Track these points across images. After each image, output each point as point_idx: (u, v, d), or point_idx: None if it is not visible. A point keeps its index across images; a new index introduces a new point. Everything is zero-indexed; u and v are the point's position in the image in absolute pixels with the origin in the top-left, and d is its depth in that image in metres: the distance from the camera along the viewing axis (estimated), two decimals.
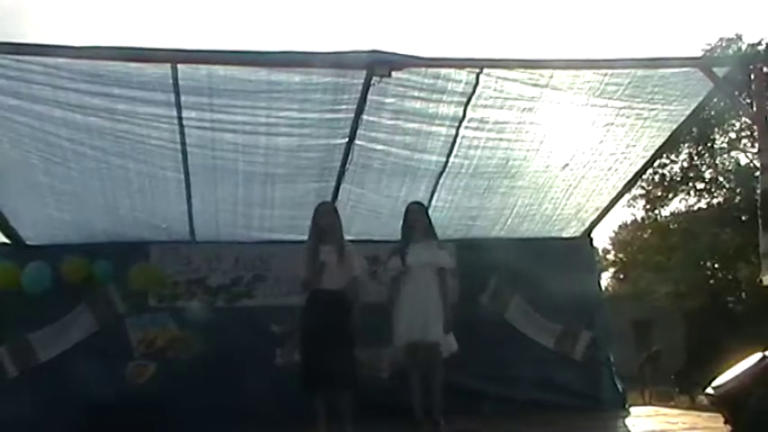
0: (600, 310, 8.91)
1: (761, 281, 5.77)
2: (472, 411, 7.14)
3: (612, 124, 7.12)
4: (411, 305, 6.29)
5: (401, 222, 6.64)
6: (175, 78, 5.85)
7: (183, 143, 6.65)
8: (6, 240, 7.93)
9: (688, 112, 7.09)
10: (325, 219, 6.22)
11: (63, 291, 7.68)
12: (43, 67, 5.61)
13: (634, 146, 7.51)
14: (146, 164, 6.95)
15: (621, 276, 32.44)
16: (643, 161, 7.89)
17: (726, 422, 5.61)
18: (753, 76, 6.17)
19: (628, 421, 7.20)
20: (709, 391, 5.93)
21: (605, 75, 6.43)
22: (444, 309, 6.39)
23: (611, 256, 33.00)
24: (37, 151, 6.71)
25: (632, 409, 8.40)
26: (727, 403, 5.62)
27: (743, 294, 27.49)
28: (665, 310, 26.63)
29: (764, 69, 6.23)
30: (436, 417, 6.15)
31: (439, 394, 6.23)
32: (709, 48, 24.59)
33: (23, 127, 6.36)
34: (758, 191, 6.10)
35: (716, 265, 28.97)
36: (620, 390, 8.64)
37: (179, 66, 5.74)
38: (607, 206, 8.62)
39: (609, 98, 6.69)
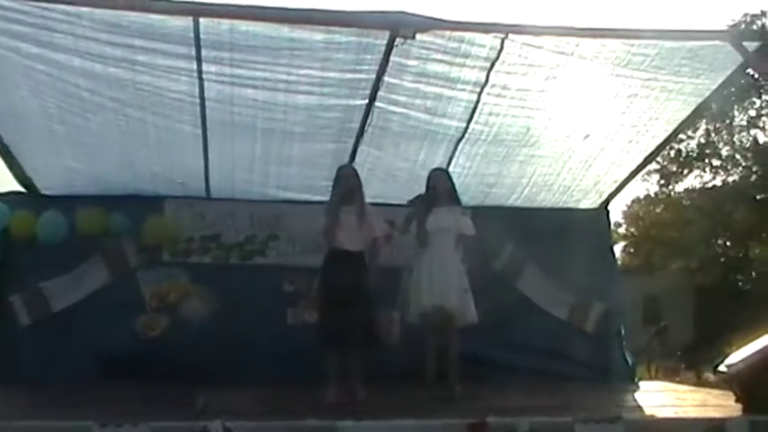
0: (614, 282, 8.88)
1: None
2: (481, 378, 7.11)
3: (636, 96, 7.02)
4: (429, 271, 6.27)
5: (424, 187, 6.58)
6: (197, 32, 5.78)
7: (202, 97, 6.59)
8: (22, 189, 7.93)
9: (714, 87, 6.96)
10: (347, 181, 6.22)
11: (77, 242, 7.70)
12: (65, 15, 5.56)
13: (657, 119, 7.41)
14: (164, 117, 6.90)
15: (632, 250, 32.26)
16: (665, 135, 7.80)
17: (737, 400, 5.58)
18: None
19: (637, 395, 7.19)
20: (722, 368, 5.90)
21: (632, 45, 6.33)
22: (465, 273, 6.36)
23: (622, 230, 32.80)
24: (55, 100, 6.67)
25: (641, 384, 8.39)
26: (739, 382, 5.60)
27: (753, 273, 27.34)
28: (675, 285, 26.52)
29: None
30: (452, 383, 6.15)
31: (455, 362, 6.23)
32: (733, 23, 24.21)
33: (43, 75, 6.31)
34: None
35: (728, 243, 28.76)
36: (631, 364, 8.64)
37: (201, 19, 5.67)
38: (626, 179, 8.55)
39: (635, 69, 6.58)
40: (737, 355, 5.73)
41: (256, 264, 8.24)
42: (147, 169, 7.73)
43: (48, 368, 6.93)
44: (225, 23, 5.77)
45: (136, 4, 5.46)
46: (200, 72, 6.28)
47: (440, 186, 6.50)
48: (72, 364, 7.13)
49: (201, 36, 5.84)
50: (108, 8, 5.48)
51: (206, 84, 6.44)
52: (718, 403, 6.05)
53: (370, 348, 6.02)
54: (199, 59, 6.12)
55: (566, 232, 8.30)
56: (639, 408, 6.27)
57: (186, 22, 5.69)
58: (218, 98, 6.66)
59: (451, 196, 6.53)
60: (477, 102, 7.02)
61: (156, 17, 5.62)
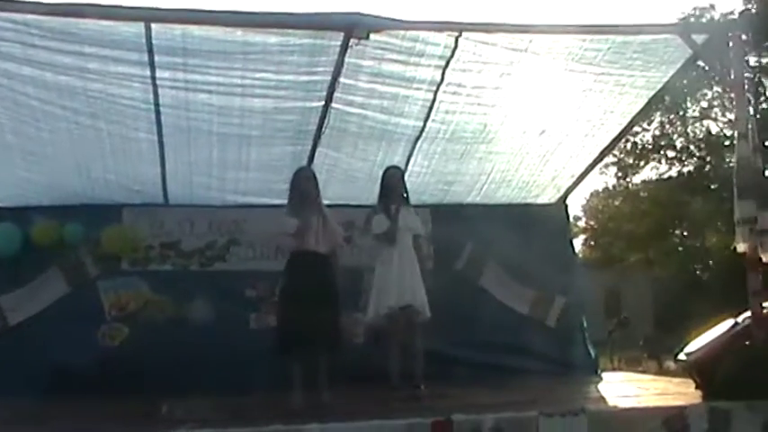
0: (574, 276, 8.94)
1: (734, 248, 5.80)
2: (445, 377, 7.10)
3: (590, 90, 7.09)
4: (398, 269, 6.26)
5: (379, 185, 6.58)
6: (149, 38, 5.75)
7: (157, 104, 6.54)
8: None
9: (666, 79, 7.07)
10: (306, 184, 6.19)
11: (33, 253, 7.59)
12: (12, 24, 5.48)
13: (612, 112, 7.49)
14: (118, 125, 6.82)
15: (592, 243, 32.68)
16: (620, 128, 7.87)
17: (697, 387, 5.67)
18: (731, 44, 6.15)
19: (600, 386, 7.27)
20: (681, 357, 5.99)
21: (584, 40, 6.41)
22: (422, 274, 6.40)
23: (581, 223, 33.18)
24: (5, 110, 6.56)
25: (604, 375, 8.47)
26: (698, 369, 5.69)
27: (710, 262, 27.81)
28: (635, 277, 26.93)
29: (743, 37, 6.23)
30: (418, 382, 6.16)
31: (420, 360, 6.24)
32: (683, 16, 24.66)
33: None
34: (734, 159, 6.12)
35: (685, 233, 29.30)
36: (593, 356, 8.71)
37: (152, 25, 5.63)
38: (583, 173, 8.62)
39: (588, 64, 6.65)
40: (696, 344, 5.82)
41: (217, 270, 8.16)
42: (103, 178, 7.62)
43: (6, 383, 6.79)
44: (177, 29, 5.73)
45: (85, 12, 5.38)
46: (153, 78, 6.24)
47: (397, 186, 6.52)
48: (31, 378, 6.95)
49: (154, 42, 5.80)
50: (57, 15, 5.40)
51: (160, 90, 6.40)
52: (679, 391, 6.13)
53: (338, 351, 6.01)
54: (152, 65, 6.08)
55: (525, 228, 8.34)
56: (603, 399, 6.34)
57: (138, 28, 5.65)
58: (172, 104, 6.61)
59: (405, 196, 6.57)
60: (434, 100, 7.04)
61: (106, 23, 5.56)
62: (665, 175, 28.46)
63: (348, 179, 7.95)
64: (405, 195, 6.57)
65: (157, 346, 7.40)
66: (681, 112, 26.89)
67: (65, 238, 7.71)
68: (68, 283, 7.82)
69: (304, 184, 6.22)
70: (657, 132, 27.67)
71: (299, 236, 6.07)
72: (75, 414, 5.49)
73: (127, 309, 7.91)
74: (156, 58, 5.99)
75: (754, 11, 22.29)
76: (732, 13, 23.51)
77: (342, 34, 5.91)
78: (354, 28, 5.70)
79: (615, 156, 26.98)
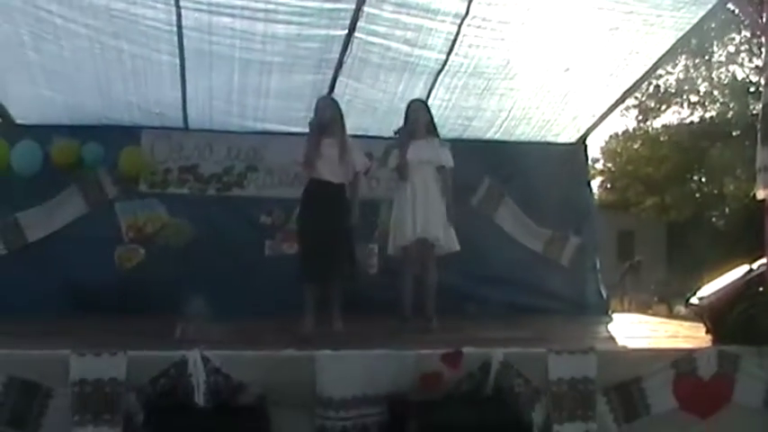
0: (590, 217, 8.95)
1: (754, 195, 5.74)
2: (457, 311, 7.15)
3: (617, 29, 6.95)
4: (413, 203, 6.23)
5: (403, 119, 6.51)
6: None
7: (180, 26, 6.47)
8: None
9: (695, 21, 6.92)
10: (324, 112, 6.13)
11: (53, 172, 7.63)
12: None
13: (637, 53, 7.36)
14: (140, 46, 6.77)
15: (609, 186, 32.44)
16: (644, 69, 7.76)
17: (707, 332, 5.69)
18: None
19: (611, 327, 7.31)
20: (694, 301, 5.99)
21: None
22: (446, 204, 6.37)
23: (599, 165, 32.92)
24: (28, 27, 6.51)
25: (615, 316, 8.52)
26: (710, 314, 5.68)
27: (726, 210, 27.63)
28: (650, 221, 26.85)
29: None
30: (429, 315, 6.19)
31: (433, 294, 6.27)
32: None
33: (14, 0, 6.15)
34: (758, 105, 6.02)
35: (702, 179, 29.06)
36: (605, 297, 8.76)
37: None
38: (604, 113, 8.54)
39: (616, 2, 6.53)
40: (708, 288, 5.81)
41: (234, 195, 8.22)
42: (123, 99, 7.61)
43: (23, 298, 6.91)
44: None
45: None
46: None
47: (420, 118, 6.42)
48: (48, 295, 7.12)
49: None
50: None
51: (183, 11, 6.32)
52: (689, 334, 6.16)
53: (351, 280, 6.05)
54: None
55: (543, 166, 8.31)
56: (612, 339, 6.37)
57: None
58: (195, 26, 6.54)
59: (430, 128, 6.46)
60: (458, 33, 6.95)
61: None
62: (687, 120, 28.11)
63: (368, 110, 7.90)
64: (431, 127, 6.46)
65: (173, 268, 7.50)
66: (706, 57, 26.39)
67: (84, 158, 7.73)
68: (87, 203, 7.91)
69: (320, 112, 6.17)
70: (681, 76, 27.22)
71: (309, 165, 6.04)
72: (89, 332, 5.55)
73: (144, 231, 7.99)
74: None
75: None
76: None
77: None
78: None
79: (637, 98, 26.62)
